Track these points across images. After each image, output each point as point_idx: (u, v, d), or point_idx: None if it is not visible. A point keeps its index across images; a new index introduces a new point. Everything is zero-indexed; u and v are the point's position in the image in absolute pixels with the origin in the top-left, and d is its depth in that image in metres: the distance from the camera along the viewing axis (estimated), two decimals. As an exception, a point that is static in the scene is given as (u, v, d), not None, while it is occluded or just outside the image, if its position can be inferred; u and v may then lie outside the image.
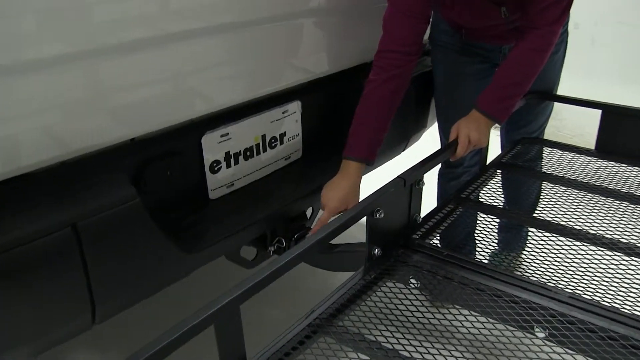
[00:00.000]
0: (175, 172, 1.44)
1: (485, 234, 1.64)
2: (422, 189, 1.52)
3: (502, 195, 1.90)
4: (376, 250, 1.38)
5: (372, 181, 1.70)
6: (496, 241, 2.17)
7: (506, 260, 2.15)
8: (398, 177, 1.41)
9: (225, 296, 0.97)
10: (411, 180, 1.45)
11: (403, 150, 2.22)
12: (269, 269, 1.03)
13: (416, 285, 1.37)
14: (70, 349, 2.00)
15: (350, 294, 1.29)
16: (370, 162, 1.66)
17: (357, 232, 1.45)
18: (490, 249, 1.68)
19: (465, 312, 1.23)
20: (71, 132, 1.17)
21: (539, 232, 1.55)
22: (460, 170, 2.14)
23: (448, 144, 1.66)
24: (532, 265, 1.42)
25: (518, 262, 2.20)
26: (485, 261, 1.58)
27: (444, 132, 2.12)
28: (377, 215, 1.33)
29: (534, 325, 1.18)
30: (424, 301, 1.26)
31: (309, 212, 1.88)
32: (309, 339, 1.14)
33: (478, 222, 1.76)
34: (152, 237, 1.27)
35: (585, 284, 1.31)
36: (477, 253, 1.71)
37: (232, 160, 1.59)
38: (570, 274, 1.35)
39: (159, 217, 1.40)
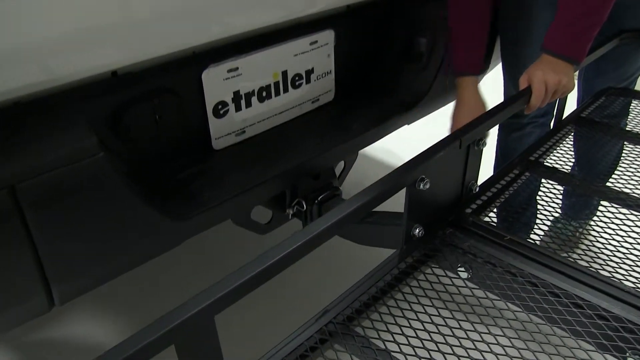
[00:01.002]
0: (167, 116, 1.14)
1: (549, 198, 1.29)
2: (482, 150, 1.18)
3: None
4: (417, 230, 1.06)
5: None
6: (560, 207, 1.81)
7: (570, 232, 1.81)
8: (452, 135, 1.07)
9: (191, 304, 0.68)
10: (470, 140, 1.10)
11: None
12: (258, 265, 0.73)
13: (467, 277, 1.05)
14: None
15: (379, 287, 0.98)
16: (483, 71, 1.58)
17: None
18: (554, 216, 1.33)
19: (533, 327, 0.90)
20: (33, 60, 0.88)
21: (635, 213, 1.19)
22: (525, 121, 1.76)
23: (520, 91, 1.29)
24: (626, 261, 1.07)
25: (583, 234, 1.85)
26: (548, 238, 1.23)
27: (510, 78, 1.73)
28: (421, 186, 1.00)
29: (627, 353, 0.86)
30: (475, 305, 0.95)
31: (338, 169, 1.56)
32: (314, 351, 0.85)
33: (542, 182, 1.41)
34: (122, 200, 0.98)
35: None
36: (537, 220, 1.37)
37: (242, 102, 1.27)
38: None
39: (142, 172, 1.12)
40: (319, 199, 1.39)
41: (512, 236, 1.08)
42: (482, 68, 1.58)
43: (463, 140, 1.07)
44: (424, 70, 1.60)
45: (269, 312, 1.77)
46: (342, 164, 1.59)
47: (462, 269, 1.05)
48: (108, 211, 0.97)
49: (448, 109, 1.82)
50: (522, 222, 1.87)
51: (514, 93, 1.77)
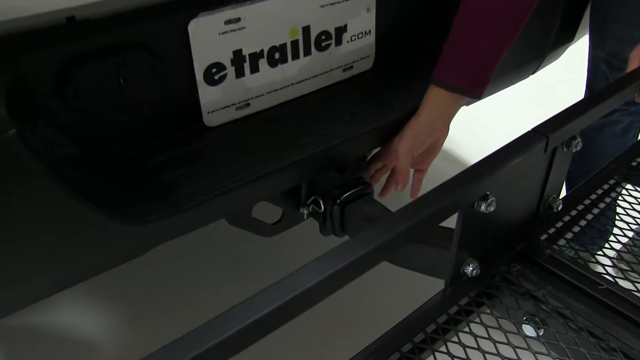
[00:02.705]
0: (136, 80, 0.83)
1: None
2: (572, 153, 0.83)
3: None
4: (470, 267, 0.74)
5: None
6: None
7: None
8: (533, 132, 0.73)
9: None
10: (559, 140, 0.76)
11: (533, 73, 1.47)
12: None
13: (535, 333, 0.73)
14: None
15: (404, 352, 0.67)
16: (476, 95, 1.01)
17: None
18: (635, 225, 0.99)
19: None
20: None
21: None
22: None
23: (630, 72, 0.92)
24: None
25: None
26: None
27: (602, 55, 1.36)
28: (483, 207, 0.67)
29: None
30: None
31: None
32: None
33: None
34: (49, 194, 0.69)
35: None
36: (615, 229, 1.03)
37: (246, 66, 0.96)
38: None
39: (96, 155, 0.83)
40: (342, 198, 1.07)
41: (610, 286, 0.74)
42: (482, 91, 1.01)
43: (550, 141, 0.72)
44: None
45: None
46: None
47: (530, 328, 0.73)
48: (26, 210, 0.68)
49: (511, 88, 1.47)
50: (594, 228, 1.52)
51: (598, 77, 1.40)
